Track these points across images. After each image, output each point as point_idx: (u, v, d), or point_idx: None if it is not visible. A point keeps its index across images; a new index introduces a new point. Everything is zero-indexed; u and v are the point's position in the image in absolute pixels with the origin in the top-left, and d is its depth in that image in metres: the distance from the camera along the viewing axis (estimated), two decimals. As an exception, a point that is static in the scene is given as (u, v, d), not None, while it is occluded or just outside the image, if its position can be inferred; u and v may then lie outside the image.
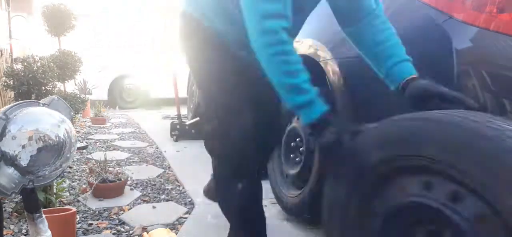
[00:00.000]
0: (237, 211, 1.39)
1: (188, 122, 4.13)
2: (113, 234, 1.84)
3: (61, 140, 0.97)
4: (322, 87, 1.79)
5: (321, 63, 1.76)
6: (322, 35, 1.82)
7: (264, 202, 2.23)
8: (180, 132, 4.03)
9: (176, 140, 4.00)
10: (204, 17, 1.29)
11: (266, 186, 2.36)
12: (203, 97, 1.40)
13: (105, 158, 2.51)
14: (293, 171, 1.99)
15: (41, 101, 1.04)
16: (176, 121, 4.16)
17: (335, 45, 1.71)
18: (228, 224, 1.92)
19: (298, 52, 1.89)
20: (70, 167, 2.74)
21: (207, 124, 1.37)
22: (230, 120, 1.28)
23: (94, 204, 2.18)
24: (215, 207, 2.13)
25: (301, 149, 1.95)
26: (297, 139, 2.00)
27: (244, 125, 1.25)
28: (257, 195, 1.41)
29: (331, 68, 1.70)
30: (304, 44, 1.93)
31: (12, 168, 0.93)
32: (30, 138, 0.92)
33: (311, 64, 1.84)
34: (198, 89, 1.48)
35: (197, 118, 4.01)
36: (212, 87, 1.33)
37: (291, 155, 2.03)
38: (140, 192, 2.44)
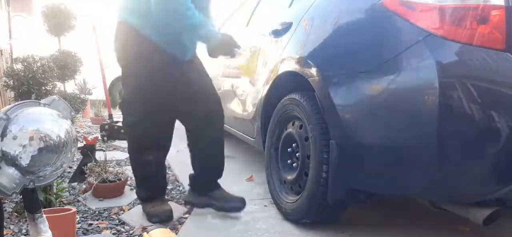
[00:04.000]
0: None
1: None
2: (113, 234, 1.84)
3: (62, 140, 0.97)
4: (311, 103, 1.81)
5: (310, 81, 1.78)
6: (312, 53, 1.83)
7: (264, 202, 2.24)
8: (110, 132, 4.05)
9: (107, 140, 3.98)
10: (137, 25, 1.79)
11: (266, 186, 2.37)
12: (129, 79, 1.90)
13: (105, 158, 2.51)
14: (290, 177, 1.99)
15: (42, 101, 1.04)
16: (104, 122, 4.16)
17: (324, 63, 1.72)
18: (228, 224, 1.93)
19: (288, 69, 1.91)
20: (70, 167, 2.74)
21: (130, 114, 1.93)
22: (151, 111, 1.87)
23: (94, 204, 2.18)
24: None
25: (297, 154, 1.96)
26: (293, 145, 2.00)
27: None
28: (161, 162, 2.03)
29: (320, 85, 1.71)
30: (294, 61, 1.93)
31: (13, 168, 0.93)
32: (31, 138, 0.92)
33: (301, 81, 1.85)
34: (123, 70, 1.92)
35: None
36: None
37: (288, 161, 2.03)
38: (140, 192, 2.44)
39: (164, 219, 1.90)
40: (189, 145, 2.09)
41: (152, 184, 2.02)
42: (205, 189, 2.07)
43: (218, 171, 2.08)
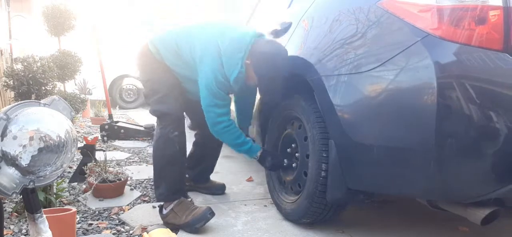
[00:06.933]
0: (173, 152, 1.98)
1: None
2: (113, 234, 1.84)
3: (62, 140, 0.97)
4: (310, 102, 1.82)
5: (309, 81, 1.78)
6: (311, 54, 1.83)
7: (264, 202, 2.25)
8: (110, 132, 4.08)
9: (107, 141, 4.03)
10: (160, 55, 2.04)
11: (266, 186, 2.37)
12: (150, 86, 2.06)
13: (105, 158, 2.51)
14: (289, 177, 1.99)
15: (42, 101, 1.05)
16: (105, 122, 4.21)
17: (323, 63, 1.72)
18: (228, 224, 1.94)
19: (288, 69, 1.92)
20: (70, 167, 2.74)
21: (153, 96, 2.03)
22: (170, 93, 2.01)
23: (94, 204, 2.19)
24: (215, 207, 2.14)
25: (296, 154, 1.96)
26: (292, 145, 2.00)
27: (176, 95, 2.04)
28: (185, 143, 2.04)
29: (319, 85, 1.72)
30: (294, 62, 1.94)
31: (13, 168, 0.93)
32: (31, 138, 0.92)
33: (300, 81, 1.85)
34: (145, 83, 2.12)
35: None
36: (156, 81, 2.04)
37: (288, 161, 2.04)
38: (140, 192, 2.44)
39: (210, 216, 1.86)
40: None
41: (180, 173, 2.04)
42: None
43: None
